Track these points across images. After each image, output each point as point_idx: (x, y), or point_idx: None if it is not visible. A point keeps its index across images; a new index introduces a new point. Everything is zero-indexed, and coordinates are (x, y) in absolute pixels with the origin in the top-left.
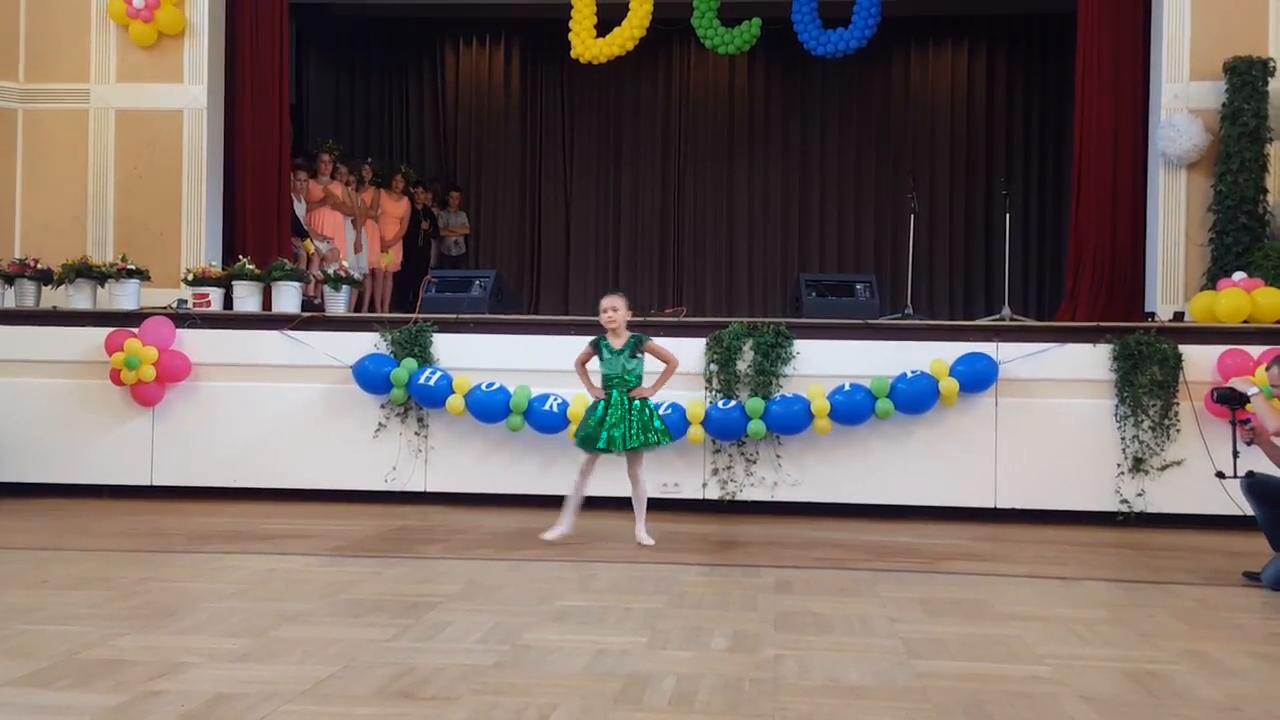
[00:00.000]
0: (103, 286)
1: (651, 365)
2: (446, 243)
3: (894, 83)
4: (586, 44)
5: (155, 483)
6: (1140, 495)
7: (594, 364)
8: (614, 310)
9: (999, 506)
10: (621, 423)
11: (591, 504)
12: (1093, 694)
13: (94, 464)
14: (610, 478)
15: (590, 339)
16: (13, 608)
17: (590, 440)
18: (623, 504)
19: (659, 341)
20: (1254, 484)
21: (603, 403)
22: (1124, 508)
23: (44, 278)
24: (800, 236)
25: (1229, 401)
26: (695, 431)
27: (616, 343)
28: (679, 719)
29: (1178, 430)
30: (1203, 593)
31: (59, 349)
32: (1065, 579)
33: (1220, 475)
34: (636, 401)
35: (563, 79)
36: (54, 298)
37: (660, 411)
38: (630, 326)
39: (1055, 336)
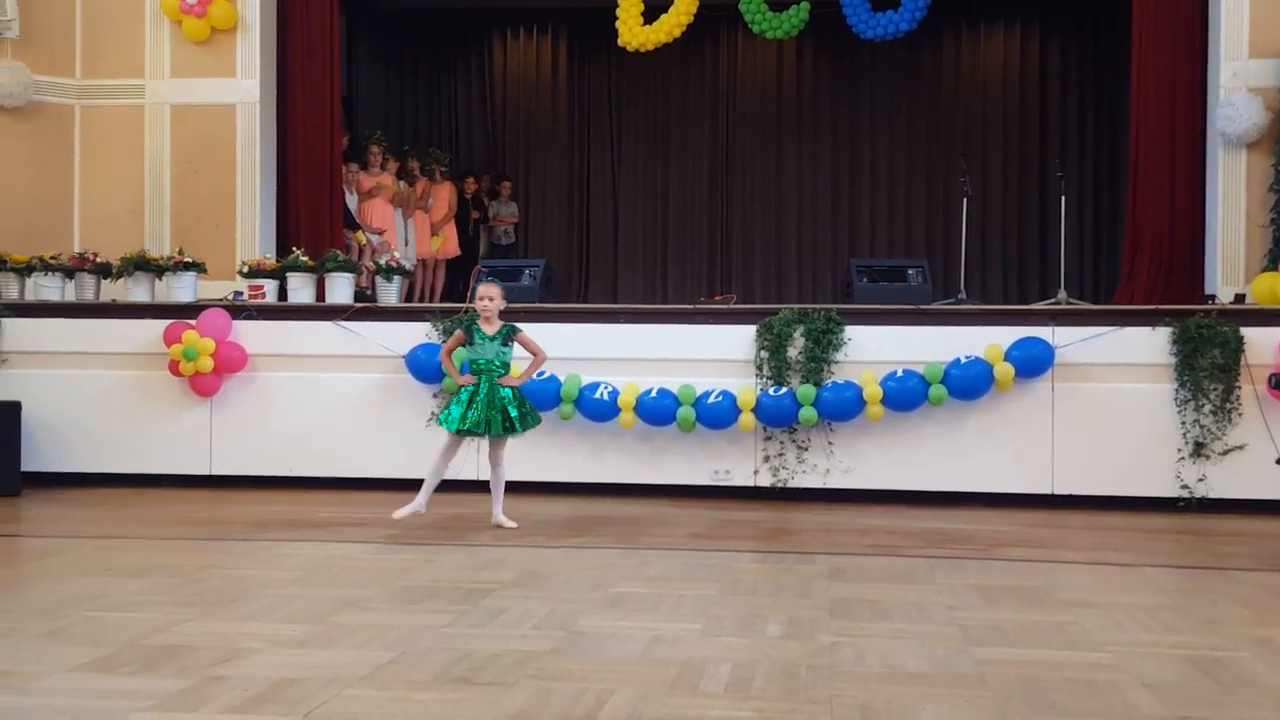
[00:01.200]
0: (160, 279)
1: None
2: (496, 232)
3: (945, 65)
4: (634, 31)
5: (214, 472)
6: (1201, 480)
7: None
8: (491, 300)
9: (1056, 493)
10: (488, 408)
11: (645, 492)
12: (1155, 681)
13: (153, 454)
14: (651, 465)
15: (463, 323)
16: (78, 595)
17: (454, 421)
18: (667, 491)
19: (531, 334)
20: None
21: (470, 387)
22: (1184, 493)
23: (103, 271)
24: (851, 222)
25: None
26: (746, 419)
27: (489, 330)
28: (735, 705)
29: (1239, 414)
30: (1266, 579)
31: (118, 341)
32: (1125, 565)
33: None
34: (504, 389)
35: (610, 67)
36: (113, 291)
37: (710, 400)
38: (677, 315)
39: (1113, 320)
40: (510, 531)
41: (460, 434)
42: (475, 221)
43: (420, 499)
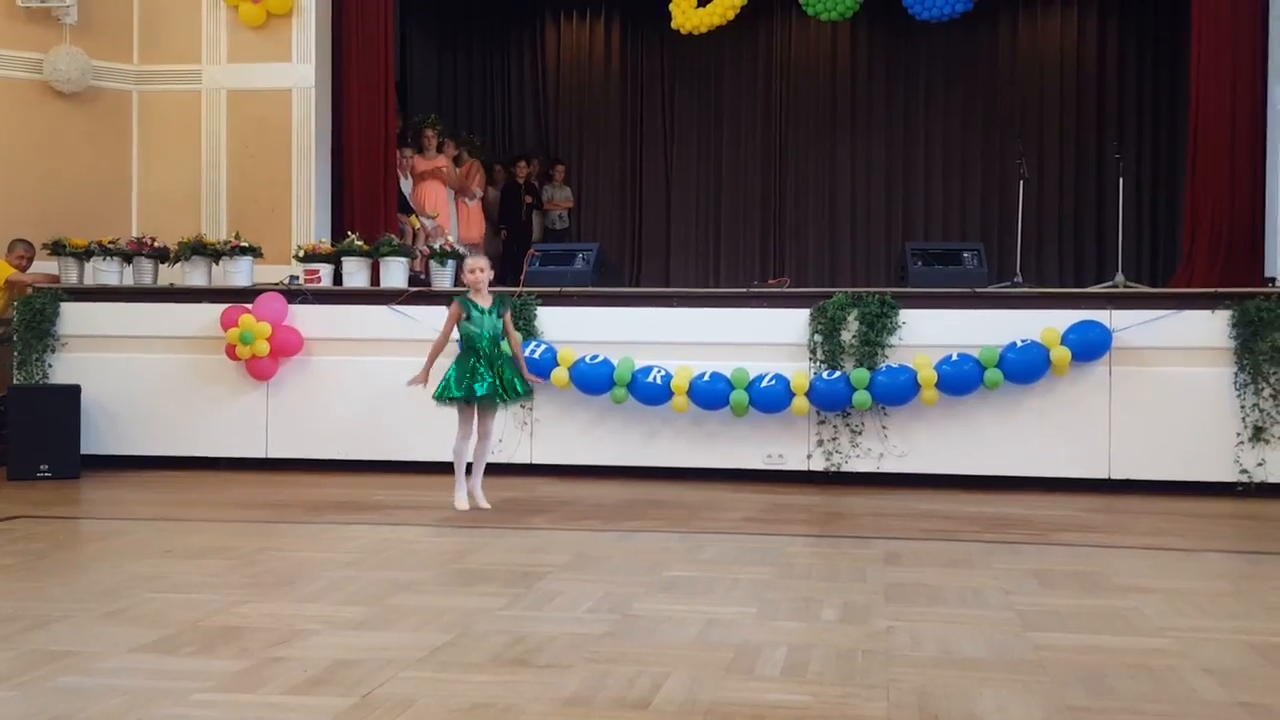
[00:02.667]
0: (217, 264)
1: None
2: (550, 216)
3: (1000, 45)
4: (687, 14)
5: (270, 455)
6: (1261, 465)
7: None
8: (481, 271)
9: (1113, 477)
10: (489, 377)
11: (698, 476)
12: (1216, 666)
13: (211, 437)
14: (705, 448)
15: (456, 299)
16: (139, 576)
17: (454, 390)
18: (721, 476)
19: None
20: None
21: (467, 360)
22: (1244, 478)
23: (161, 255)
24: (905, 205)
25: None
26: (800, 402)
27: (484, 302)
28: (791, 690)
29: None
30: None
31: (176, 325)
32: (1184, 550)
33: None
34: (508, 360)
35: (663, 51)
36: (170, 275)
37: (764, 384)
38: (730, 299)
39: (1171, 303)
40: (564, 515)
41: (469, 402)
42: (528, 206)
43: (461, 493)
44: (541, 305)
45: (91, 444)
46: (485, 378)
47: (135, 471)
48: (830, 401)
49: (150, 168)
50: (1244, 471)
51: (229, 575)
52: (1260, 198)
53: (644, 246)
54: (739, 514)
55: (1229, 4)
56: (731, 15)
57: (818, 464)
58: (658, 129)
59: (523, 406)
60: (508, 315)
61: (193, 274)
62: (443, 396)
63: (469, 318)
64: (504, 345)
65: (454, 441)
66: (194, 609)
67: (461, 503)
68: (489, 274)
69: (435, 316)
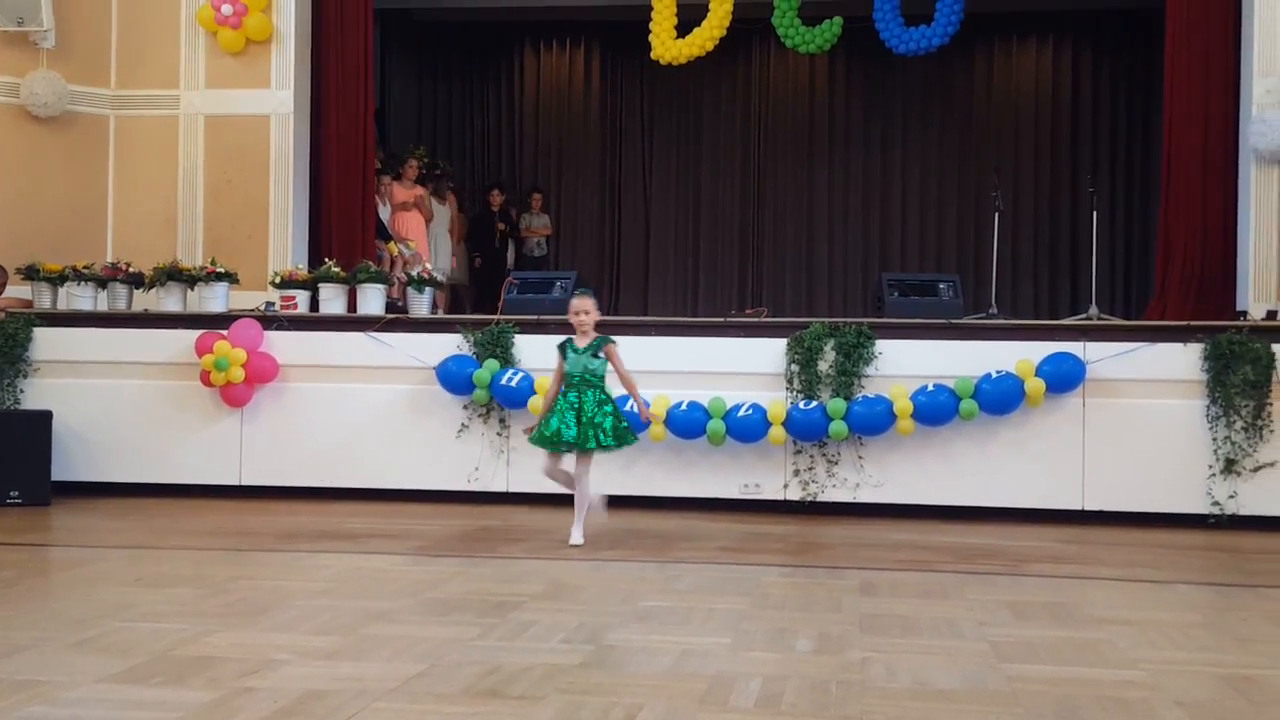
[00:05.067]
0: (192, 289)
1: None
2: (529, 244)
3: (977, 80)
4: (666, 45)
5: (244, 482)
6: (1232, 497)
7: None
8: (587, 314)
9: (1086, 508)
10: (579, 424)
11: (675, 505)
12: (1188, 699)
13: (184, 464)
14: (681, 477)
15: (559, 345)
16: (109, 605)
17: (544, 440)
18: (697, 505)
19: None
20: None
21: (563, 402)
22: (1215, 510)
23: (135, 281)
24: (882, 236)
25: None
26: (776, 432)
27: (582, 342)
28: None
29: (1271, 431)
30: None
31: (150, 351)
32: (1156, 582)
33: None
34: (607, 404)
35: (642, 80)
36: (145, 300)
37: (741, 413)
38: (708, 328)
39: (1144, 336)
40: (539, 544)
41: (555, 450)
42: (501, 234)
43: (579, 526)
44: (519, 333)
45: (63, 470)
46: (571, 425)
47: (107, 499)
48: (807, 431)
49: (126, 193)
50: (1216, 504)
51: (200, 604)
52: (1232, 233)
53: (622, 275)
54: (715, 543)
55: (1202, 42)
56: (711, 46)
57: (794, 494)
58: (636, 158)
59: (499, 434)
60: (613, 351)
61: (168, 300)
62: (533, 441)
63: (565, 358)
64: (607, 387)
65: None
66: (163, 638)
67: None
68: (594, 315)
69: (412, 344)
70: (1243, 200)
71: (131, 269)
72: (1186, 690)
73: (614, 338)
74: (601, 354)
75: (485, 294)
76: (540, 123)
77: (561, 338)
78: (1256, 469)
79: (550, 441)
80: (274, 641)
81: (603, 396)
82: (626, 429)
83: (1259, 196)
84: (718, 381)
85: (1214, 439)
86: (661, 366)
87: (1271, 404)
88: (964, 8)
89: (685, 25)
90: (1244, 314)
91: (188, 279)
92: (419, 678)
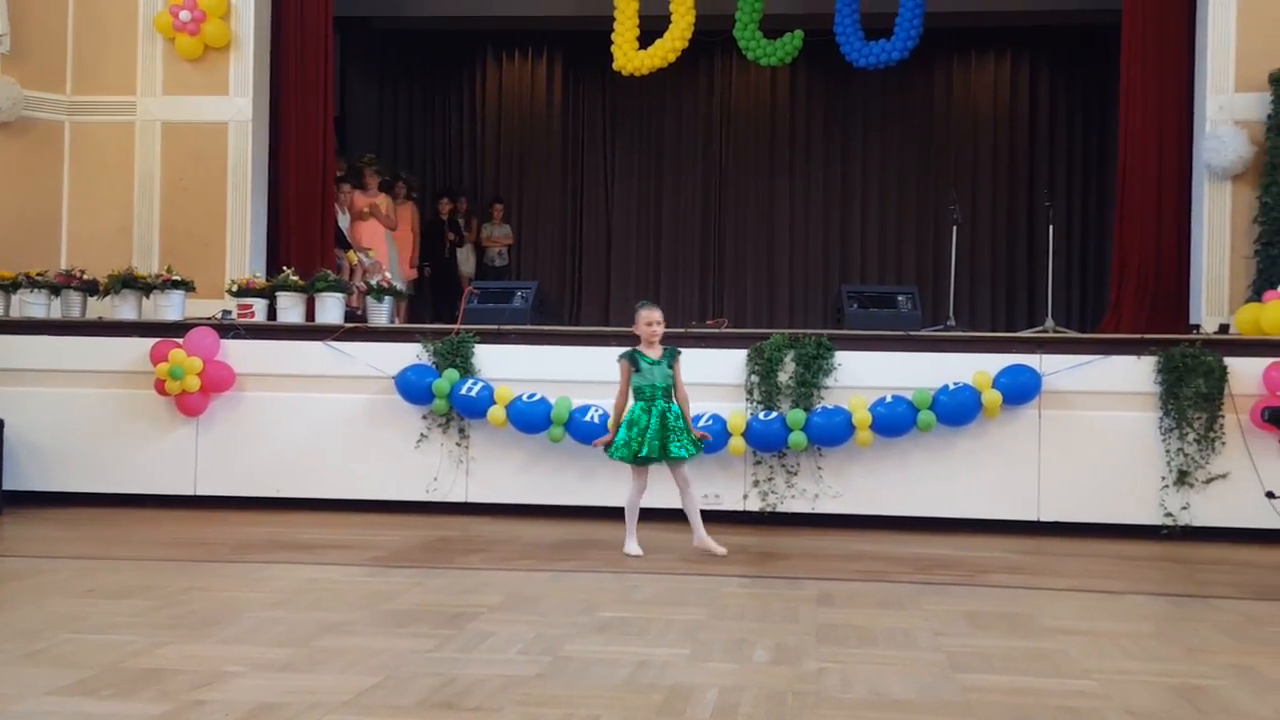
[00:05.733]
0: (148, 297)
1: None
2: (490, 254)
3: (936, 94)
4: (629, 56)
5: (199, 492)
6: (1185, 509)
7: None
8: (658, 324)
9: (1041, 519)
10: (661, 433)
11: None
12: (1139, 709)
13: (138, 474)
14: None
15: (623, 356)
16: (58, 616)
17: (620, 450)
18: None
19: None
20: None
21: (636, 415)
22: (1168, 521)
23: (90, 289)
24: (842, 248)
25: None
26: (736, 443)
27: (654, 354)
28: None
29: (1223, 443)
30: (1249, 607)
31: (104, 359)
32: (1109, 593)
33: (1271, 495)
34: (674, 408)
35: (604, 91)
36: (100, 308)
37: (701, 424)
38: (669, 339)
39: (1099, 349)
40: (498, 554)
41: (638, 464)
42: (451, 244)
43: (631, 541)
44: (479, 343)
45: (14, 480)
46: (654, 440)
47: (59, 508)
48: (766, 442)
49: (82, 199)
50: (1169, 515)
51: (152, 616)
52: (1186, 247)
53: (583, 285)
54: (674, 554)
55: (1157, 59)
56: (673, 58)
57: (753, 504)
58: (598, 168)
59: (458, 445)
60: (677, 366)
61: (122, 308)
62: (612, 455)
63: (639, 370)
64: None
65: (628, 493)
66: (114, 650)
67: (633, 549)
68: (663, 327)
69: (371, 353)
70: (1196, 215)
71: (86, 276)
72: (1138, 700)
73: (679, 350)
74: (675, 364)
75: (439, 303)
76: (502, 132)
77: (622, 349)
78: (1209, 481)
79: (639, 455)
80: (226, 653)
81: (675, 407)
82: (693, 442)
83: (1212, 212)
84: None
85: (1167, 451)
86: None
87: (1224, 416)
88: (923, 23)
89: (647, 36)
90: (1197, 327)
91: (143, 287)
92: (373, 690)
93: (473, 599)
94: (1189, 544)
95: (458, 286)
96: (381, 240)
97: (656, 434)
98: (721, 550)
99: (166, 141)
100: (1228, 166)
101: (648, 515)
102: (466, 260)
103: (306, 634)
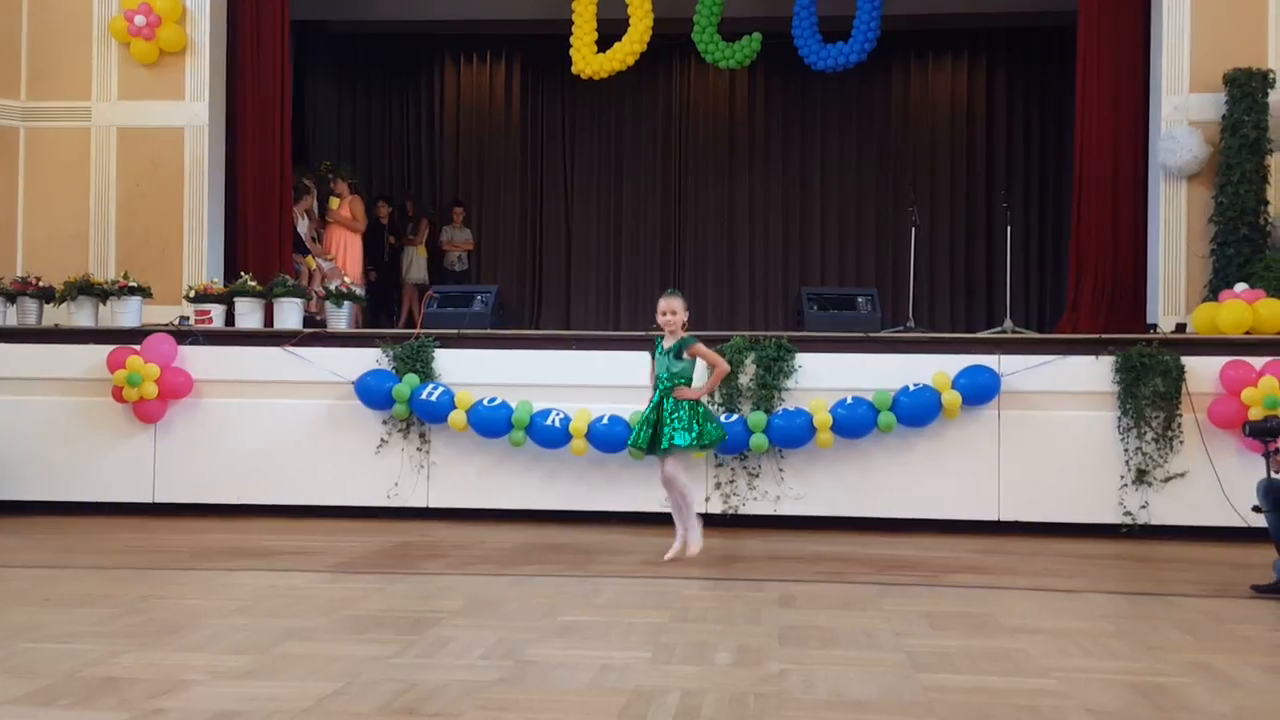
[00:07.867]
0: (104, 304)
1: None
2: (449, 258)
3: (894, 96)
4: (587, 59)
5: (157, 499)
6: (1144, 507)
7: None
8: (674, 313)
9: (1002, 519)
10: (650, 424)
11: (597, 519)
12: (1099, 707)
13: (96, 481)
14: (603, 491)
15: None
16: (15, 626)
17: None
18: (619, 518)
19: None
20: (1273, 488)
21: (648, 404)
22: (1127, 520)
23: (46, 295)
24: (801, 250)
25: (1262, 434)
26: None
27: (667, 343)
28: None
29: (1180, 442)
30: (1208, 605)
31: (61, 366)
32: (1070, 591)
33: (1257, 510)
34: (682, 403)
35: (563, 94)
36: (56, 315)
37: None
38: (629, 341)
39: (1057, 349)
40: (459, 559)
41: (636, 453)
42: (391, 248)
43: (686, 537)
44: (439, 347)
45: None
46: (646, 430)
47: (15, 517)
48: (728, 444)
49: (37, 205)
50: (1128, 514)
51: (110, 624)
52: (1142, 246)
53: (544, 289)
54: (637, 557)
55: (1112, 60)
56: (631, 61)
57: (715, 507)
58: (558, 172)
59: (419, 450)
60: (697, 349)
61: (79, 314)
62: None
63: (653, 359)
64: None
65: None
66: (72, 659)
67: (672, 555)
68: (681, 315)
69: (330, 358)
70: (1153, 215)
71: (42, 283)
72: (1098, 698)
73: (696, 335)
74: (685, 355)
75: (375, 308)
76: (461, 136)
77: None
78: (1167, 479)
79: (634, 446)
80: (186, 661)
81: (671, 401)
82: (707, 428)
83: (1168, 212)
84: (639, 395)
85: (1126, 450)
86: (583, 380)
87: (1181, 415)
88: (880, 25)
89: (606, 40)
90: (1154, 327)
91: (100, 293)
92: (334, 696)
93: (434, 604)
94: (1148, 542)
95: (399, 293)
96: (356, 245)
97: (648, 424)
98: (692, 552)
99: (122, 146)
100: (1183, 167)
101: (613, 519)
102: (412, 266)
103: (267, 641)
